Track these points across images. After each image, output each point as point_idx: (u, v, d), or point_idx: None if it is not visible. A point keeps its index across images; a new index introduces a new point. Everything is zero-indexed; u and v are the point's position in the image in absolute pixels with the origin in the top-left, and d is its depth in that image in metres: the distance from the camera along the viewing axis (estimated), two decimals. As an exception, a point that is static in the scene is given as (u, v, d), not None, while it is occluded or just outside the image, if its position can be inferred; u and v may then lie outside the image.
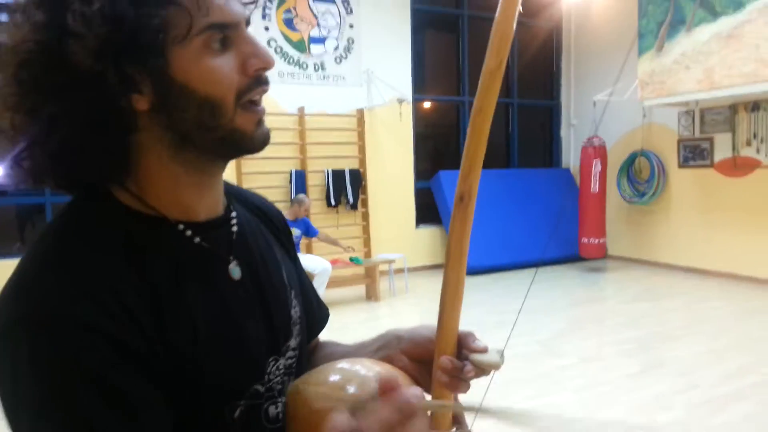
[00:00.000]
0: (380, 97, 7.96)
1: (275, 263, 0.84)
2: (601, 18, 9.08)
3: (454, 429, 0.70)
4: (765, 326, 5.47)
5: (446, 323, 0.66)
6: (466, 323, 0.73)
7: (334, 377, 0.68)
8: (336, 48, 8.02)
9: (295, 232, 5.92)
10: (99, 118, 0.64)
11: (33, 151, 0.65)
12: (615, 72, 8.74)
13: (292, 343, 0.81)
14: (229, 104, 0.67)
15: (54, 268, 0.61)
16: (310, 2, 7.83)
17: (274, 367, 0.76)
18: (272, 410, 0.75)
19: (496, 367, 0.67)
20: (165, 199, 0.70)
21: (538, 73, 10.09)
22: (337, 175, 7.83)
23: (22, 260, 0.64)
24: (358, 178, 7.99)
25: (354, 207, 7.99)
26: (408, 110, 8.39)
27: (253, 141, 0.70)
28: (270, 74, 0.72)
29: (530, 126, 10.17)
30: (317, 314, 0.97)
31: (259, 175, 7.05)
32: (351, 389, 0.64)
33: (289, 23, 7.68)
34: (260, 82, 0.69)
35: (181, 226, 0.71)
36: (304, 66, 7.79)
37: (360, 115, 8.05)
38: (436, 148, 9.92)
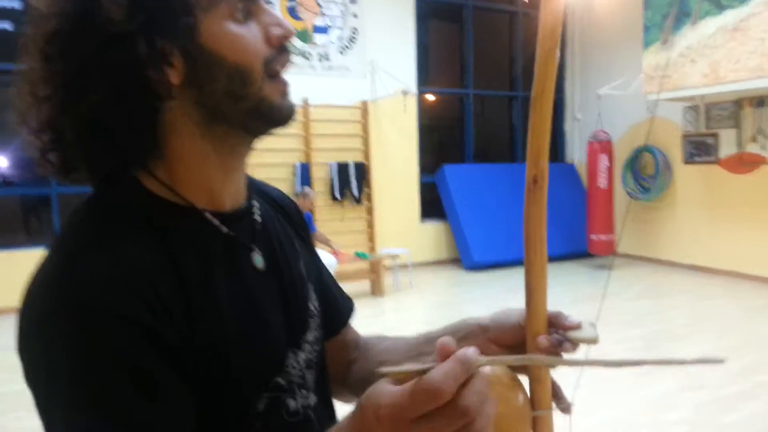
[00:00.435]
0: (384, 89, 7.94)
1: (294, 255, 0.84)
2: (606, 10, 9.03)
3: (554, 405, 0.70)
4: (770, 324, 5.45)
5: (536, 305, 0.66)
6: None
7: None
8: (340, 38, 7.99)
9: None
10: (129, 91, 0.63)
11: (61, 140, 0.65)
12: (619, 65, 8.69)
13: (309, 336, 0.81)
14: (258, 72, 0.67)
15: (86, 258, 0.60)
16: (314, -9, 7.81)
17: (294, 360, 0.76)
18: (292, 404, 0.75)
19: (594, 341, 0.68)
20: (193, 185, 0.70)
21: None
22: (342, 169, 7.83)
23: (52, 248, 0.64)
24: (362, 171, 7.98)
25: (359, 201, 7.98)
26: (412, 102, 8.37)
27: (281, 111, 0.71)
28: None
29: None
30: (341, 305, 0.98)
31: (264, 167, 7.04)
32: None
33: (292, 12, 7.65)
34: (283, 51, 0.70)
35: (209, 215, 0.71)
36: (308, 56, 7.76)
37: (364, 107, 8.04)
38: (440, 141, 9.90)
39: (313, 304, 0.84)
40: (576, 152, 9.93)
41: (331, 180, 7.79)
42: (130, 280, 0.59)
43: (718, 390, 3.92)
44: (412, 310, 6.39)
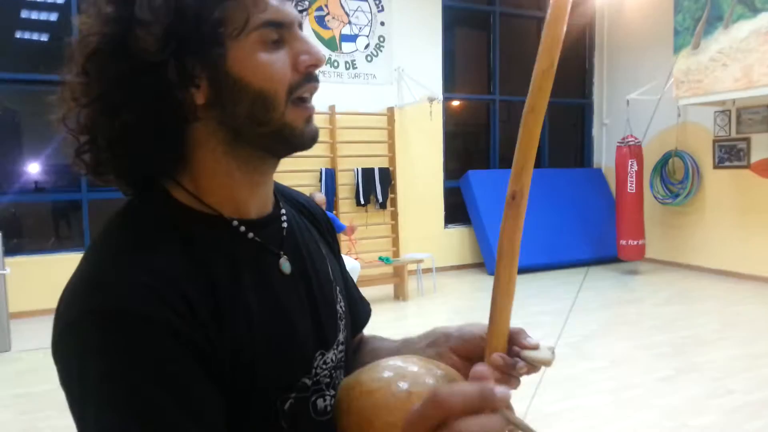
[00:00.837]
0: (411, 96, 7.95)
1: (321, 259, 0.86)
2: (635, 14, 8.94)
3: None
4: (803, 331, 5.33)
5: (497, 320, 0.66)
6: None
7: (388, 373, 0.69)
8: (367, 46, 8.03)
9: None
10: (159, 109, 0.67)
11: (96, 143, 0.69)
12: (649, 70, 8.59)
13: (340, 337, 0.83)
14: (281, 99, 0.69)
15: (118, 264, 0.63)
16: (342, 0, 7.85)
17: (321, 361, 0.78)
18: (320, 403, 0.76)
19: (548, 363, 0.68)
20: (219, 196, 0.73)
21: (570, 72, 9.97)
22: (367, 174, 7.85)
23: (87, 254, 0.67)
24: (387, 177, 8.00)
25: (383, 206, 8.00)
26: (438, 109, 8.36)
27: (303, 137, 0.73)
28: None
29: (561, 125, 10.05)
30: (360, 310, 0.99)
31: (290, 173, 7.09)
32: (404, 385, 0.65)
33: (320, 21, 7.71)
34: (311, 79, 0.72)
35: (235, 223, 0.73)
36: (335, 64, 7.81)
37: (390, 114, 8.06)
38: (465, 147, 9.87)
39: (341, 306, 0.86)
40: (603, 157, 9.83)
41: (357, 185, 7.81)
42: (160, 286, 0.62)
43: (745, 396, 3.85)
44: (435, 314, 6.37)
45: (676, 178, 8.39)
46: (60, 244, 7.57)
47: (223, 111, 0.69)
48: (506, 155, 9.40)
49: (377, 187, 7.90)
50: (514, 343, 0.70)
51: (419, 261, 7.22)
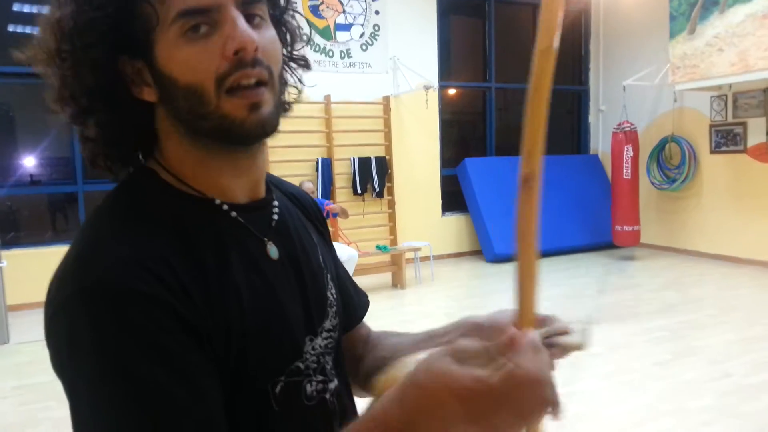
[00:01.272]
0: (406, 84, 7.93)
1: (312, 246, 0.86)
2: (631, 1, 8.90)
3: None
4: (799, 315, 5.35)
5: (525, 307, 0.65)
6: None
7: (411, 369, 0.69)
8: (362, 35, 8.00)
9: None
10: (124, 107, 0.69)
11: (83, 135, 0.72)
12: (645, 56, 8.57)
13: (327, 324, 0.83)
14: (210, 91, 0.66)
15: (111, 242, 0.64)
16: (336, -11, 7.82)
17: (310, 346, 0.78)
18: (308, 388, 0.76)
19: (581, 347, 0.68)
20: (202, 181, 0.73)
21: (566, 58, 9.94)
22: (364, 163, 7.84)
23: (80, 234, 0.67)
24: (384, 165, 7.99)
25: (380, 195, 8.00)
26: (434, 97, 8.34)
27: (243, 127, 0.68)
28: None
29: (558, 111, 10.03)
30: (356, 300, 0.99)
31: (286, 163, 7.08)
32: None
33: (315, 10, 7.67)
34: (241, 65, 0.66)
35: (225, 207, 0.73)
36: (330, 53, 7.78)
37: (386, 103, 8.03)
38: (462, 135, 9.86)
39: (331, 293, 0.86)
40: (600, 143, 9.83)
41: (353, 175, 7.80)
42: (151, 263, 0.62)
43: (742, 379, 3.88)
44: (433, 302, 6.38)
45: (672, 163, 8.40)
46: (56, 237, 7.57)
47: (170, 107, 0.69)
48: (503, 143, 9.39)
49: (374, 176, 7.89)
50: (545, 328, 0.70)
51: (417, 249, 7.23)
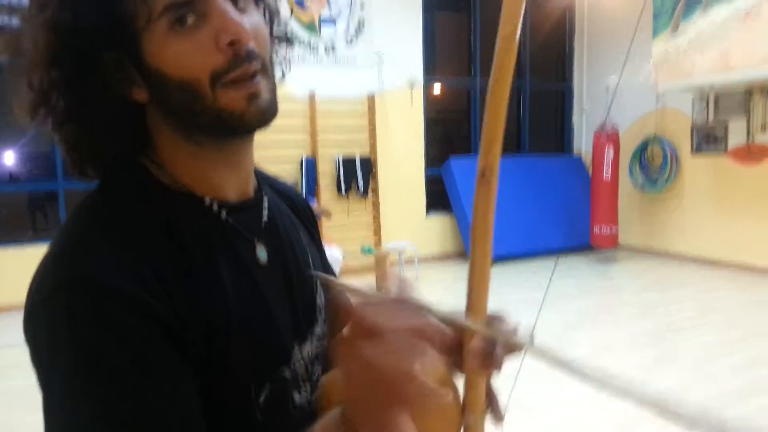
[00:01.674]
0: (391, 81, 7.90)
1: (302, 249, 0.85)
2: (615, -2, 8.92)
3: (488, 409, 0.68)
4: (778, 317, 5.41)
5: (475, 305, 0.63)
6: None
7: None
8: (347, 29, 7.94)
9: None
10: (113, 109, 0.68)
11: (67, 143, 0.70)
12: (629, 54, 8.60)
13: (318, 329, 0.82)
14: (205, 87, 0.64)
15: (94, 239, 0.62)
16: (320, -18, 7.75)
17: (299, 353, 0.76)
18: (297, 397, 0.75)
19: (520, 348, 0.65)
20: (193, 177, 0.71)
21: (549, 56, 9.96)
22: (348, 162, 7.80)
23: (61, 230, 0.66)
24: (368, 165, 7.96)
25: (365, 194, 7.96)
26: (419, 95, 8.32)
27: (243, 118, 0.66)
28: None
29: (541, 110, 10.06)
30: None
31: (270, 161, 6.98)
32: None
33: (300, 3, 7.60)
34: (239, 61, 0.64)
35: (208, 201, 0.72)
36: (315, 49, 7.72)
37: (371, 101, 8.00)
38: (446, 134, 9.85)
39: (320, 299, 0.84)
40: (583, 143, 9.86)
41: (337, 173, 7.77)
42: (132, 261, 0.61)
43: (724, 383, 3.90)
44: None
45: (655, 164, 8.44)
46: (37, 236, 7.45)
47: (163, 106, 0.68)
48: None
49: (358, 175, 7.86)
50: (493, 326, 0.67)
51: (401, 251, 7.20)
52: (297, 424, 0.73)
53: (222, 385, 0.65)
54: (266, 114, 0.68)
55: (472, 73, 9.23)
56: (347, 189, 7.82)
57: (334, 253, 6.16)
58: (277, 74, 0.80)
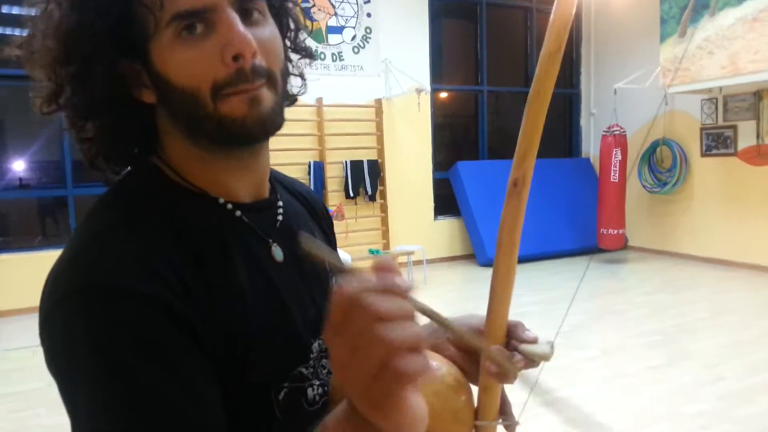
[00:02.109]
0: (399, 87, 7.92)
1: None
2: (622, 3, 8.93)
3: (500, 419, 0.68)
4: (791, 317, 5.37)
5: (496, 313, 0.64)
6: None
7: None
8: (353, 37, 7.98)
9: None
10: (124, 109, 0.68)
11: (80, 137, 0.71)
12: (636, 59, 8.60)
13: None
14: (205, 96, 0.64)
15: (111, 238, 0.62)
16: (327, -9, 7.80)
17: (318, 351, 0.76)
18: (310, 392, 0.75)
19: (546, 358, 0.66)
20: (205, 179, 0.71)
21: (557, 62, 9.93)
22: (356, 167, 7.81)
23: (77, 231, 0.65)
24: (376, 169, 7.97)
25: (372, 198, 7.97)
26: (426, 100, 8.33)
27: (244, 126, 0.66)
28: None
29: (549, 115, 9.92)
30: None
31: (278, 166, 6.96)
32: None
33: (306, 13, 7.65)
34: (242, 78, 0.64)
35: (221, 200, 0.71)
36: (322, 56, 7.76)
37: (378, 106, 8.02)
38: (454, 138, 9.85)
39: None
40: (591, 147, 9.85)
41: (345, 178, 7.78)
42: (150, 261, 0.60)
43: (736, 383, 3.88)
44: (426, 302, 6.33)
45: (663, 166, 8.42)
46: (46, 242, 7.50)
47: (169, 109, 0.68)
48: (495, 146, 9.39)
49: (366, 180, 7.87)
50: (513, 336, 0.68)
51: (410, 253, 7.21)
52: (310, 419, 0.74)
53: (241, 383, 0.65)
54: (266, 124, 0.67)
55: (479, 80, 9.23)
56: (355, 193, 7.83)
57: (341, 256, 6.17)
58: (294, 85, 0.80)
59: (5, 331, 5.40)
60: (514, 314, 0.67)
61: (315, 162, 7.57)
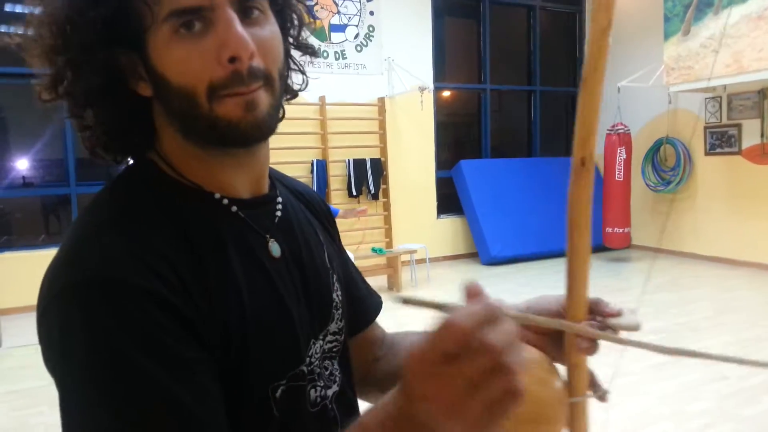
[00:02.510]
0: (401, 86, 7.91)
1: (318, 246, 0.83)
2: (625, 1, 8.91)
3: (590, 392, 0.69)
4: (795, 316, 5.35)
5: (577, 290, 0.64)
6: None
7: None
8: (356, 36, 7.97)
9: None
10: (121, 100, 0.68)
11: (81, 125, 0.71)
12: (640, 57, 8.57)
13: (333, 327, 0.81)
14: (201, 96, 0.63)
15: (107, 234, 0.61)
16: (330, -10, 7.79)
17: (315, 349, 0.76)
18: (312, 393, 0.74)
19: (636, 328, 0.67)
20: (201, 176, 0.71)
21: (560, 59, 9.93)
22: (359, 165, 7.81)
23: (73, 227, 0.65)
24: (379, 167, 7.96)
25: (375, 197, 7.97)
26: (429, 99, 8.32)
27: (239, 129, 0.65)
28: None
29: (552, 114, 10.03)
30: (368, 302, 0.97)
31: (280, 165, 7.00)
32: None
33: (309, 11, 7.63)
34: (238, 79, 0.63)
35: (217, 196, 0.71)
36: (325, 54, 7.75)
37: (381, 104, 8.01)
38: (457, 137, 9.84)
39: (337, 295, 0.83)
40: (595, 146, 9.80)
41: (348, 176, 7.78)
42: (147, 257, 0.59)
43: (740, 382, 3.86)
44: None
45: (667, 165, 8.40)
46: (50, 240, 7.51)
47: (164, 104, 0.67)
48: (498, 145, 9.39)
49: (369, 178, 7.87)
50: (596, 312, 0.68)
51: (413, 252, 7.20)
52: (313, 419, 0.74)
53: (238, 381, 0.64)
54: (262, 127, 0.66)
55: (482, 79, 9.22)
56: (358, 191, 7.83)
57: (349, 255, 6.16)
58: (296, 83, 0.80)
59: (8, 329, 5.41)
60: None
61: (318, 161, 7.57)
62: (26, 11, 0.67)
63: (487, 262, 8.18)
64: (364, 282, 0.99)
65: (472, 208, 8.31)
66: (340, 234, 0.99)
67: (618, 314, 0.67)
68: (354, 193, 7.78)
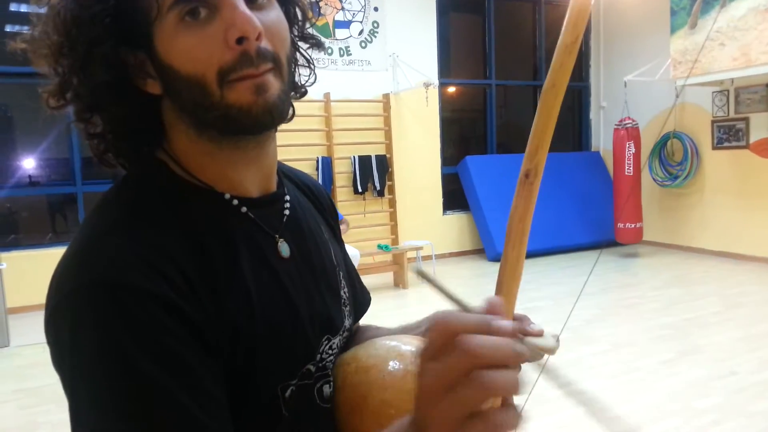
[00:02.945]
0: (406, 82, 7.89)
1: (324, 243, 0.84)
2: (632, -4, 8.86)
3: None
4: (805, 311, 5.32)
5: (504, 303, 0.63)
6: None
7: (383, 351, 0.70)
8: (361, 32, 7.95)
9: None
10: (129, 100, 0.67)
11: (88, 132, 0.70)
12: (646, 51, 8.53)
13: (347, 323, 0.82)
14: (212, 83, 0.63)
15: (115, 236, 0.61)
16: (334, -14, 7.77)
17: (327, 347, 0.76)
18: (326, 389, 0.75)
19: (552, 351, 0.64)
20: (211, 173, 0.70)
21: (566, 54, 9.86)
22: (364, 162, 7.80)
23: (82, 227, 0.64)
24: (384, 164, 7.95)
25: (381, 194, 7.96)
26: (434, 95, 8.30)
27: (250, 114, 0.64)
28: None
29: (559, 109, 9.97)
30: (360, 298, 0.97)
31: (286, 162, 6.96)
32: (399, 364, 0.66)
33: (313, 7, 7.62)
34: (246, 62, 0.62)
35: (227, 196, 0.70)
36: (329, 51, 7.74)
37: (386, 100, 8.00)
38: (462, 133, 9.82)
39: (344, 292, 0.84)
40: (601, 140, 9.78)
41: (354, 173, 7.77)
42: (154, 259, 0.59)
43: (748, 377, 3.84)
44: (435, 302, 6.32)
45: (674, 159, 8.35)
46: (56, 238, 7.53)
47: (175, 99, 0.66)
48: (503, 140, 9.35)
49: (375, 175, 7.85)
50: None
51: (418, 248, 7.19)
52: (324, 415, 0.74)
53: (247, 382, 0.64)
54: (273, 112, 0.65)
55: (487, 74, 9.19)
56: (364, 188, 7.81)
57: (352, 251, 6.17)
58: (302, 75, 0.79)
59: (16, 328, 5.43)
60: (526, 308, 0.65)
61: (323, 157, 7.56)
62: (31, 11, 0.67)
63: (493, 259, 8.16)
64: (359, 279, 0.99)
65: (478, 204, 8.29)
66: (350, 230, 0.99)
67: (538, 334, 0.65)
68: (359, 190, 7.77)
